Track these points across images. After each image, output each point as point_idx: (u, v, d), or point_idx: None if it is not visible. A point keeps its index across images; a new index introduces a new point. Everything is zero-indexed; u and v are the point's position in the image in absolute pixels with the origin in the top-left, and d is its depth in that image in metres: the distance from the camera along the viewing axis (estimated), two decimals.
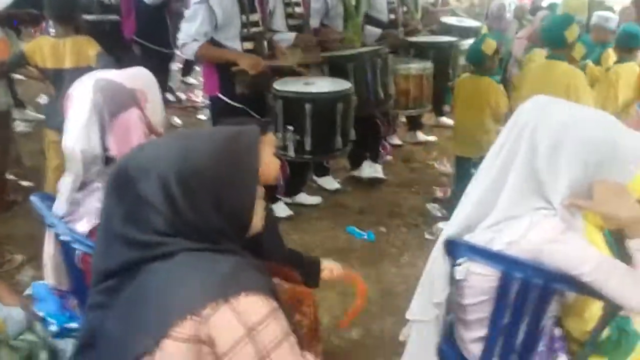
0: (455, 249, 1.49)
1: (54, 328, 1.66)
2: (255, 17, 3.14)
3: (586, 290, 1.34)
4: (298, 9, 3.63)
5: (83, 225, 1.49)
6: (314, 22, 3.82)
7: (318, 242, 3.33)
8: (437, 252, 1.52)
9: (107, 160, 1.49)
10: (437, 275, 1.52)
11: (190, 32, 2.99)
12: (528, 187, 1.39)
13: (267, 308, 0.97)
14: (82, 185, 1.51)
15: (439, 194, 4.08)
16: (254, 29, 3.13)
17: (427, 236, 3.42)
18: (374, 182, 4.18)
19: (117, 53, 3.29)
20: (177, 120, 5.50)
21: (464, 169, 3.82)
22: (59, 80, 2.96)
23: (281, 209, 3.59)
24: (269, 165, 1.70)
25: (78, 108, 1.47)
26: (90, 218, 1.47)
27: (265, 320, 0.96)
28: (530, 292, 1.39)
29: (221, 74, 3.12)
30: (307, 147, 3.16)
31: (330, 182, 4.15)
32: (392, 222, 3.65)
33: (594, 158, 1.32)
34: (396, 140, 5.12)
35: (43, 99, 5.42)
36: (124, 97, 1.49)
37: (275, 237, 1.87)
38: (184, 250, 1.00)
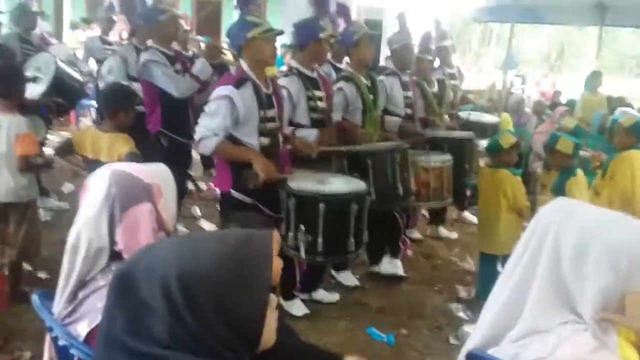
0: None
1: None
2: (272, 112, 3.16)
3: None
4: (321, 103, 3.67)
5: (84, 327, 1.42)
6: (336, 116, 3.88)
7: (336, 344, 3.15)
8: None
9: (113, 255, 1.45)
10: None
11: (210, 126, 2.96)
12: (554, 297, 1.28)
13: None
14: (84, 283, 1.45)
15: (462, 293, 3.92)
16: (270, 125, 3.14)
17: (451, 341, 3.23)
18: (394, 279, 4.04)
19: (141, 146, 3.34)
20: (197, 211, 5.43)
21: (489, 266, 3.70)
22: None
23: (297, 307, 3.45)
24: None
25: (91, 198, 1.45)
26: (91, 319, 1.40)
27: None
28: None
29: (233, 169, 3.10)
30: (319, 248, 3.00)
31: (349, 278, 4.03)
32: (414, 323, 3.48)
33: (624, 265, 1.22)
34: (416, 235, 5.02)
35: (67, 188, 5.53)
36: (138, 191, 1.47)
37: (290, 339, 1.77)
38: None
